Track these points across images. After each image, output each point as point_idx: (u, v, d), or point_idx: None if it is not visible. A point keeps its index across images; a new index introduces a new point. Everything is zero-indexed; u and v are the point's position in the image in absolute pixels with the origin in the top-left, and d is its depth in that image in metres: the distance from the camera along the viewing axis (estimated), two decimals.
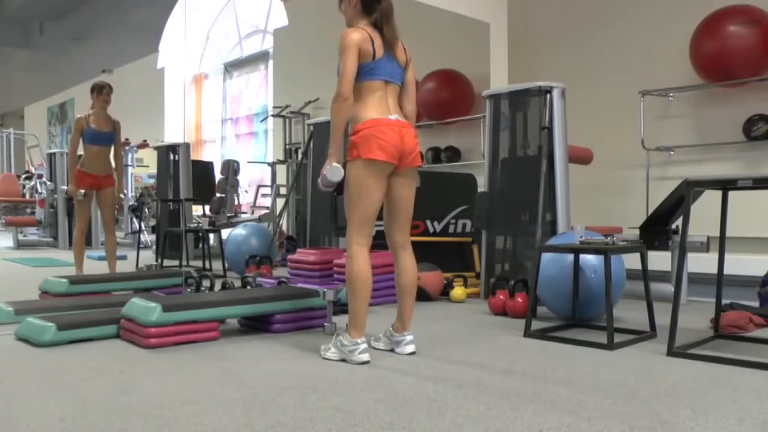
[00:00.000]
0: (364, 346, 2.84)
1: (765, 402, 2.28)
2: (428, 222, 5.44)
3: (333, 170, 2.88)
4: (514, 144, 4.81)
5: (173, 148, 8.37)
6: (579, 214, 5.43)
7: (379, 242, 3.29)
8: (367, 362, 2.81)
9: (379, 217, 3.04)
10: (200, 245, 7.47)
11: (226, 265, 6.51)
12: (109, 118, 5.70)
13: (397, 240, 3.08)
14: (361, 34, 2.91)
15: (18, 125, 19.35)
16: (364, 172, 2.87)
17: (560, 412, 2.16)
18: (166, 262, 6.88)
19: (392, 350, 3.06)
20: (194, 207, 9.17)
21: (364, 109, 2.92)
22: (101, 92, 5.64)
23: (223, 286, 4.50)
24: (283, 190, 8.95)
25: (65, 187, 5.91)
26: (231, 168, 7.42)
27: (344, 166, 2.93)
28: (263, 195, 10.08)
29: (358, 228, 2.92)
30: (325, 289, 3.49)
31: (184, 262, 6.94)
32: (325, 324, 3.47)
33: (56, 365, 2.80)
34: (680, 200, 4.23)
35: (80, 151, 5.67)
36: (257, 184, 10.34)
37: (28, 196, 12.32)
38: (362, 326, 2.87)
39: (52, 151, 10.86)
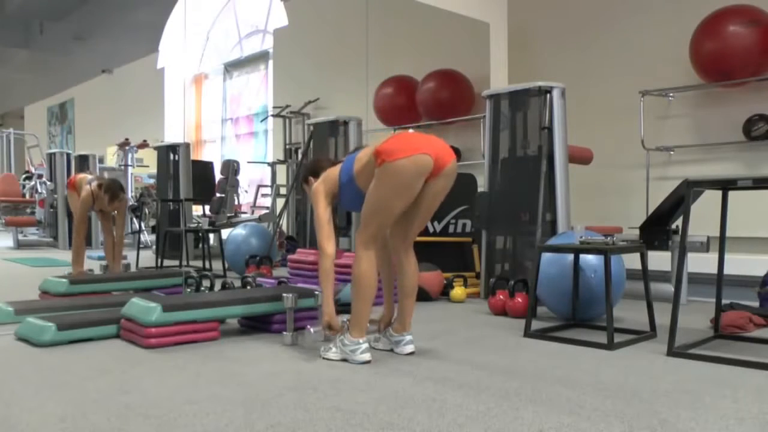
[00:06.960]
0: (365, 345, 2.84)
1: (765, 402, 2.28)
2: (428, 222, 5.43)
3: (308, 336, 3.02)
4: (514, 144, 4.81)
5: (173, 148, 8.37)
6: (579, 214, 5.43)
7: None
8: (368, 362, 2.82)
9: None
10: (200, 245, 7.46)
11: (226, 265, 6.51)
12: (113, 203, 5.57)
13: (404, 241, 3.06)
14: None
15: (18, 125, 19.33)
16: (408, 168, 2.79)
17: (560, 412, 2.16)
18: (166, 262, 6.88)
19: (391, 350, 3.06)
20: (194, 207, 9.17)
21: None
22: (113, 200, 5.48)
23: (223, 286, 4.50)
24: (283, 190, 8.96)
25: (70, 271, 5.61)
26: (231, 168, 7.43)
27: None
28: (263, 195, 10.08)
29: (374, 235, 2.89)
30: (318, 291, 3.42)
31: (184, 262, 6.94)
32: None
33: (56, 365, 2.80)
34: (680, 200, 4.23)
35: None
36: (257, 184, 10.34)
37: (28, 196, 12.31)
38: (364, 327, 2.88)
39: (52, 151, 10.85)
